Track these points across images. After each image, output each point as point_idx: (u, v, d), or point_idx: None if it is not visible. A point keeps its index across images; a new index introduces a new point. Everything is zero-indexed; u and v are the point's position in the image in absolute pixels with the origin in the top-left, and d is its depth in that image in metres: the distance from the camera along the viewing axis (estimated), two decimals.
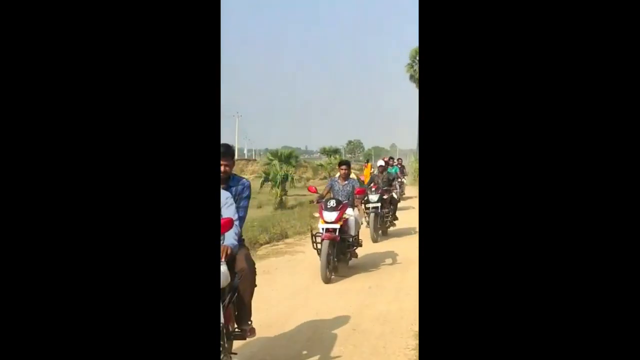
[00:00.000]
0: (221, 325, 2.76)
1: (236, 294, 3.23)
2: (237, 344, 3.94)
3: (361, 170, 23.75)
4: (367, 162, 19.73)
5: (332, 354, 3.74)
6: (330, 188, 6.91)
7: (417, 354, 3.50)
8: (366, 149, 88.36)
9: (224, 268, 2.91)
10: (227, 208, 3.09)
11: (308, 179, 30.76)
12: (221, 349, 2.80)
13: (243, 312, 3.36)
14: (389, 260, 7.27)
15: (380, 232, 9.22)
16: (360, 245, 6.84)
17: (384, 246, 8.46)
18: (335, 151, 35.12)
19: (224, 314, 2.86)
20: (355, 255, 6.78)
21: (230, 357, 3.13)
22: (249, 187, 3.49)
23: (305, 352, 3.80)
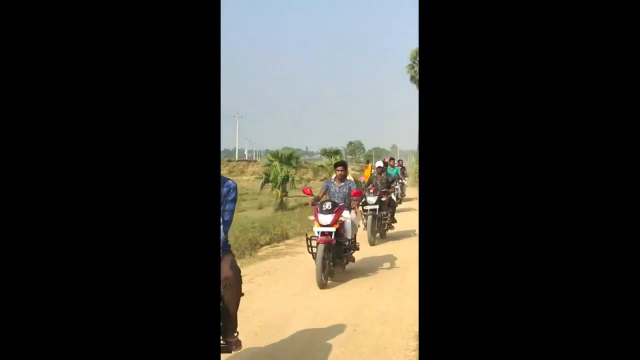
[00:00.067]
0: None
1: (221, 304, 2.99)
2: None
3: (362, 171, 23.74)
4: (368, 162, 19.72)
5: (333, 354, 3.74)
6: (326, 190, 6.66)
7: (418, 354, 3.50)
8: (367, 150, 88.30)
9: None
10: None
11: (309, 180, 30.75)
12: None
13: (228, 323, 3.12)
14: (387, 264, 7.08)
15: (378, 234, 9.03)
16: (358, 249, 6.67)
17: (382, 249, 8.24)
18: (336, 152, 35.13)
19: None
20: (352, 260, 6.59)
21: None
22: (235, 188, 3.23)
23: (306, 352, 3.80)
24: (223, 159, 40.69)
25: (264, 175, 20.88)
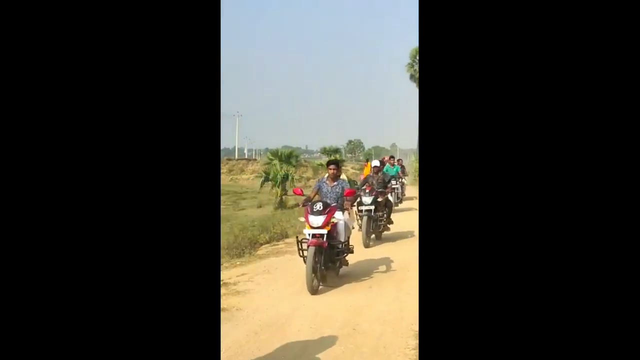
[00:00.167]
0: None
1: None
2: (235, 342, 3.94)
3: (362, 169, 23.74)
4: (367, 161, 19.72)
5: (333, 353, 3.74)
6: (318, 190, 6.28)
7: (417, 353, 3.50)
8: (366, 148, 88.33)
9: None
10: None
11: (308, 179, 30.78)
12: None
13: None
14: (382, 267, 6.72)
15: (373, 236, 8.74)
16: (352, 252, 6.30)
17: (377, 252, 7.88)
18: (336, 151, 35.14)
19: None
20: (346, 263, 6.22)
21: None
22: None
23: (306, 351, 3.80)
24: (223, 158, 40.69)
25: (263, 174, 20.93)
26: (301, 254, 5.73)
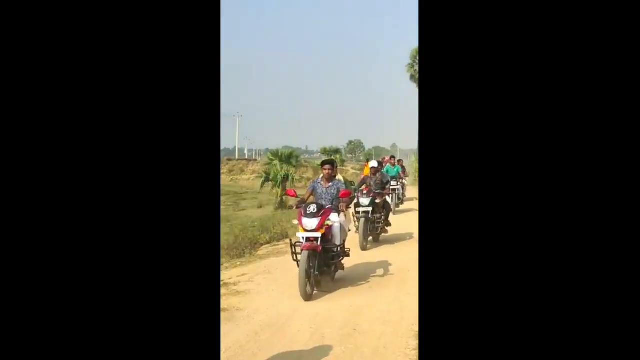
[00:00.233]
0: None
1: None
2: (235, 342, 3.94)
3: (362, 170, 23.73)
4: (368, 161, 19.69)
5: (333, 353, 3.74)
6: (313, 191, 5.99)
7: (418, 353, 3.50)
8: (367, 148, 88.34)
9: None
10: None
11: (309, 179, 30.77)
12: None
13: None
14: (380, 271, 6.46)
15: (370, 238, 8.49)
16: (348, 255, 6.05)
17: (374, 255, 7.63)
18: (336, 151, 35.16)
19: None
20: (342, 267, 5.96)
21: None
22: None
23: (306, 351, 3.80)
24: (223, 158, 40.70)
25: (264, 174, 20.95)
26: (295, 258, 5.50)
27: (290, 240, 5.90)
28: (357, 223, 8.27)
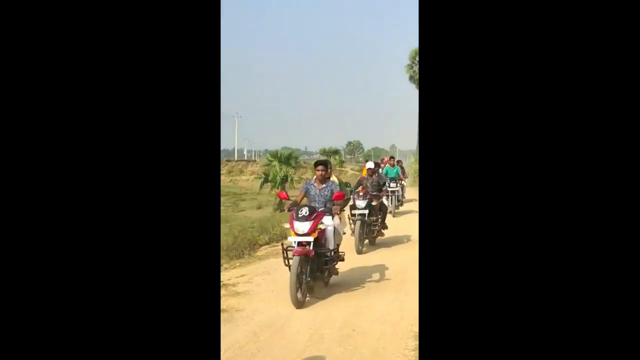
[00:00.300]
0: None
1: None
2: (234, 343, 3.94)
3: (361, 170, 23.74)
4: (367, 162, 19.67)
5: (332, 354, 3.74)
6: (306, 193, 5.74)
7: (417, 354, 3.50)
8: (366, 149, 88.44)
9: None
10: None
11: (308, 180, 30.76)
12: None
13: None
14: (376, 276, 6.22)
15: (366, 241, 8.24)
16: (342, 260, 5.78)
17: (370, 258, 7.38)
18: (335, 152, 35.21)
19: None
20: (336, 272, 5.69)
21: None
22: None
23: (305, 352, 3.80)
24: (222, 159, 40.71)
25: (263, 175, 20.96)
26: (287, 263, 5.26)
27: (282, 244, 5.61)
28: (352, 226, 8.03)
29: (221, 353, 3.48)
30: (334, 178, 6.21)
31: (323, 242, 5.45)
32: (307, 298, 5.15)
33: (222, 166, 35.53)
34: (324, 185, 5.67)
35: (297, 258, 4.96)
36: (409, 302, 4.89)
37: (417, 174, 21.07)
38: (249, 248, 8.61)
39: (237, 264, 7.35)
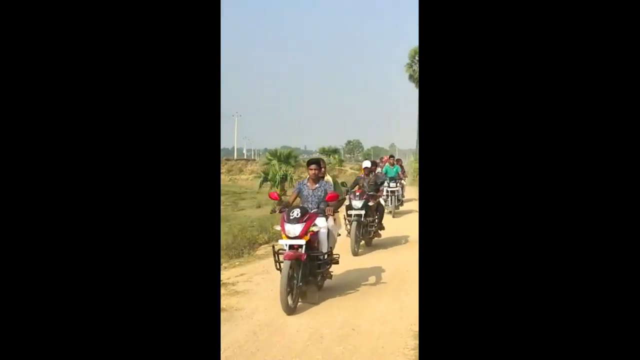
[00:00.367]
0: None
1: None
2: (234, 342, 3.94)
3: (360, 170, 23.74)
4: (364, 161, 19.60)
5: (332, 353, 3.74)
6: (299, 193, 5.49)
7: (416, 354, 3.50)
8: (365, 148, 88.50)
9: None
10: None
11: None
12: None
13: None
14: (372, 279, 5.99)
15: (362, 242, 8.01)
16: (336, 263, 5.57)
17: (367, 260, 7.16)
18: (335, 151, 35.22)
19: None
20: (329, 276, 5.47)
21: None
22: None
23: (304, 351, 3.80)
24: (221, 158, 40.70)
25: (262, 174, 20.97)
26: (278, 267, 5.01)
27: (273, 247, 5.34)
28: (348, 227, 7.86)
29: (220, 352, 3.48)
30: (328, 177, 6.00)
31: (316, 245, 5.20)
32: (300, 303, 4.94)
33: (221, 165, 35.53)
34: (317, 185, 5.42)
35: (287, 262, 4.72)
36: (408, 302, 4.90)
37: (417, 172, 21.07)
38: (248, 247, 8.60)
39: (237, 263, 7.35)
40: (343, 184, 8.44)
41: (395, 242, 8.59)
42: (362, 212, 7.78)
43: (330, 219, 5.38)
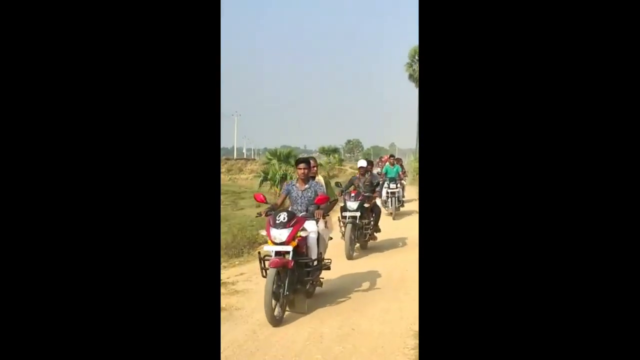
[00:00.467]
0: None
1: None
2: (233, 342, 3.94)
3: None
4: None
5: (331, 353, 3.74)
6: (287, 195, 5.11)
7: (416, 353, 3.50)
8: (365, 148, 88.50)
9: None
10: None
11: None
12: None
13: None
14: (365, 285, 5.70)
15: (357, 245, 7.71)
16: (328, 269, 5.23)
17: (362, 264, 6.87)
18: (334, 150, 35.19)
19: None
20: (320, 284, 5.13)
21: None
22: None
23: (304, 351, 3.80)
24: (221, 158, 40.65)
25: (262, 174, 20.95)
26: (264, 274, 4.62)
27: (259, 253, 4.94)
28: (343, 229, 7.52)
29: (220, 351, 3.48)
30: (319, 178, 5.67)
31: (304, 250, 4.83)
32: (288, 312, 4.68)
33: (221, 165, 35.51)
34: (307, 186, 5.05)
35: (272, 270, 4.38)
36: (408, 302, 4.89)
37: (416, 172, 21.03)
38: (248, 246, 8.60)
39: (237, 263, 7.35)
40: (338, 184, 8.21)
41: (392, 245, 8.32)
42: (358, 213, 7.49)
43: (321, 222, 5.08)
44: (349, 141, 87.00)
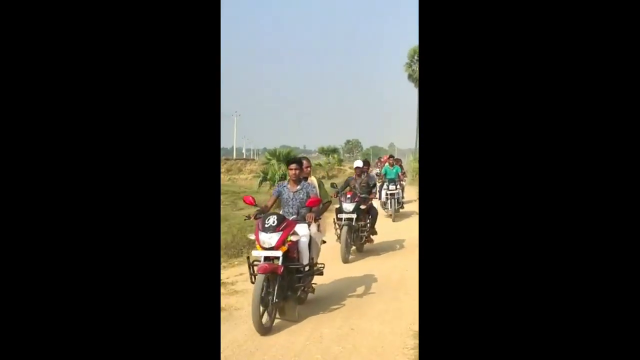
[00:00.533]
0: None
1: None
2: (233, 342, 3.94)
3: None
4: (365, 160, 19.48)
5: (331, 353, 3.74)
6: (278, 196, 4.88)
7: (416, 353, 3.50)
8: (365, 148, 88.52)
9: None
10: None
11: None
12: None
13: None
14: (360, 289, 5.48)
15: (353, 248, 7.49)
16: (321, 274, 5.00)
17: (357, 268, 6.63)
18: (334, 150, 35.17)
19: None
20: (312, 290, 4.87)
21: None
22: None
23: (303, 351, 3.80)
24: (221, 158, 40.60)
25: (261, 174, 20.93)
26: (253, 280, 4.37)
27: (248, 258, 4.64)
28: (338, 231, 7.28)
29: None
30: (312, 179, 5.45)
31: (295, 255, 4.58)
32: (278, 319, 4.44)
33: (221, 165, 35.47)
34: (298, 187, 4.81)
35: (260, 277, 4.14)
36: (407, 301, 4.89)
37: (416, 172, 21.00)
38: (247, 246, 8.58)
39: (236, 263, 7.35)
40: (333, 185, 8.02)
41: (389, 247, 8.09)
42: (354, 215, 7.26)
43: (314, 225, 4.86)
44: (348, 141, 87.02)
